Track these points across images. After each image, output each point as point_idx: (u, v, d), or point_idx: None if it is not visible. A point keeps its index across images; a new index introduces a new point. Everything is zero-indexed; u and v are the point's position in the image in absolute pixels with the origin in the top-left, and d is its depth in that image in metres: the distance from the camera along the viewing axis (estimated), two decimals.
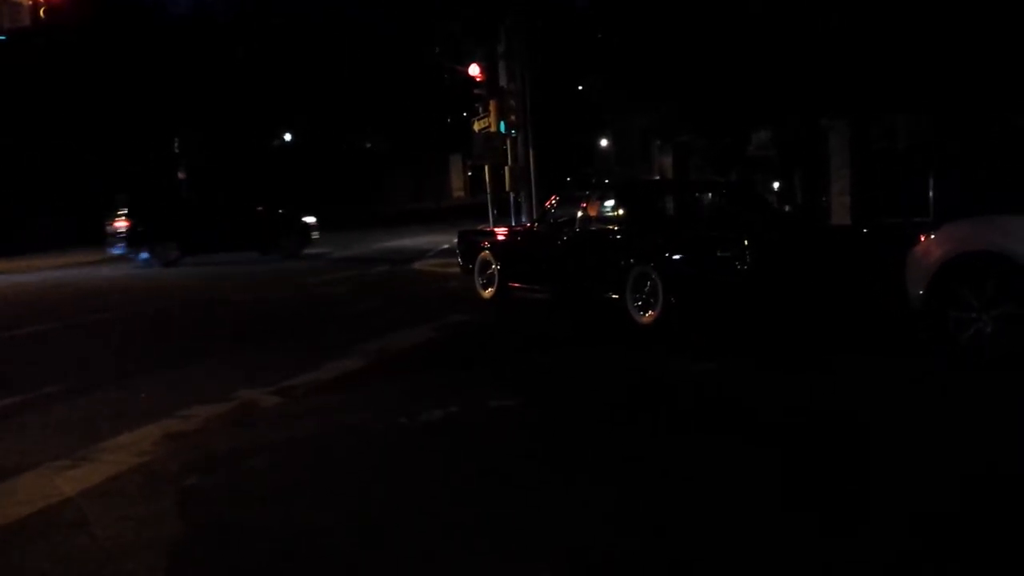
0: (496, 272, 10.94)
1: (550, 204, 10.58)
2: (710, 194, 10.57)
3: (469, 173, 37.11)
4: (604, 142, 27.47)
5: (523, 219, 16.25)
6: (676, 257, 8.41)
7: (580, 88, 33.77)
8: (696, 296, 8.17)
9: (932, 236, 6.85)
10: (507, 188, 16.87)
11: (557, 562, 3.56)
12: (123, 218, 19.61)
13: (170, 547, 3.93)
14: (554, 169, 17.40)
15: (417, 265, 16.61)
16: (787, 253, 8.15)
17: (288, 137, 41.94)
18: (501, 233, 11.41)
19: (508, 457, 4.99)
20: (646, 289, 8.55)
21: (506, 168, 16.68)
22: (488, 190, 17.21)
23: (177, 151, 33.24)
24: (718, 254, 7.89)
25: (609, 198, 9.71)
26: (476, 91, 17.13)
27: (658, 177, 17.65)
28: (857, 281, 7.89)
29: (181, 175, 32.99)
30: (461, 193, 49.09)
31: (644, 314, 8.54)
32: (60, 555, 3.90)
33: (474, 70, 16.56)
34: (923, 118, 14.09)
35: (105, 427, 6.02)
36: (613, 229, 9.35)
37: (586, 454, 4.99)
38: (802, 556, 3.54)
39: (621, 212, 9.38)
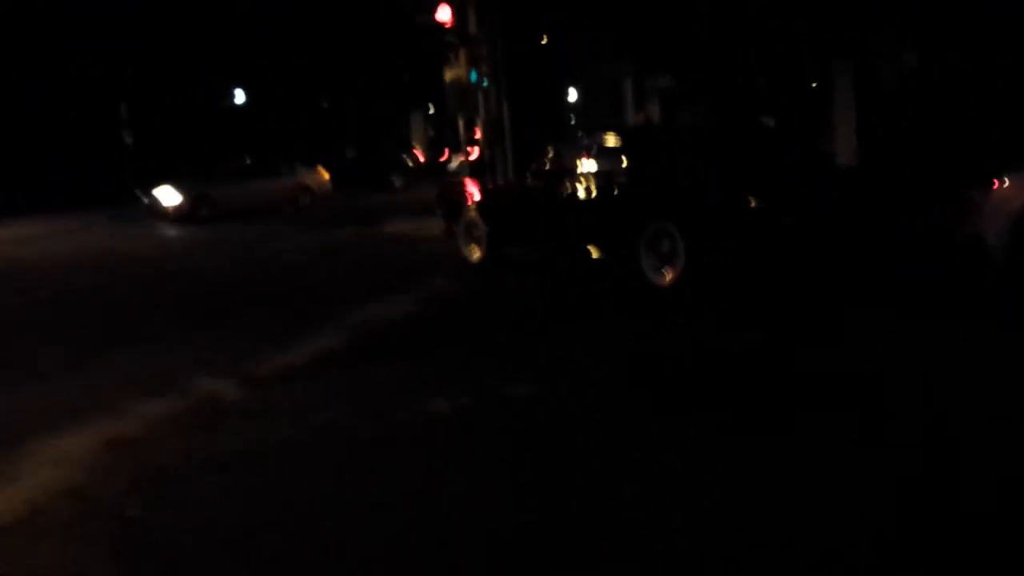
0: (484, 233, 9.74)
1: (546, 156, 9.34)
2: (726, 140, 9.36)
3: (431, 133, 35.67)
4: (573, 95, 26.10)
5: (499, 175, 15.08)
6: (702, 211, 7.28)
7: (544, 40, 32.43)
8: (727, 254, 7.05)
9: (1010, 179, 5.85)
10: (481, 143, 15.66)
11: None
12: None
13: None
14: (526, 122, 16.17)
15: (388, 228, 15.37)
16: (838, 203, 7.01)
17: (241, 99, 39.98)
18: (489, 190, 10.18)
19: (551, 469, 3.89)
20: (663, 248, 7.46)
21: (479, 121, 15.45)
22: (463, 145, 16.01)
23: (123, 116, 31.53)
24: (754, 205, 6.78)
25: (614, 147, 8.46)
26: (447, 39, 15.80)
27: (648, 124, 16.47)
28: (917, 230, 6.81)
29: (128, 139, 31.41)
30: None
31: (662, 276, 7.45)
32: None
33: (444, 15, 15.20)
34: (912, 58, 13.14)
35: (28, 432, 4.85)
36: (622, 182, 8.18)
37: (648, 457, 3.91)
38: None
39: (630, 163, 8.18)
